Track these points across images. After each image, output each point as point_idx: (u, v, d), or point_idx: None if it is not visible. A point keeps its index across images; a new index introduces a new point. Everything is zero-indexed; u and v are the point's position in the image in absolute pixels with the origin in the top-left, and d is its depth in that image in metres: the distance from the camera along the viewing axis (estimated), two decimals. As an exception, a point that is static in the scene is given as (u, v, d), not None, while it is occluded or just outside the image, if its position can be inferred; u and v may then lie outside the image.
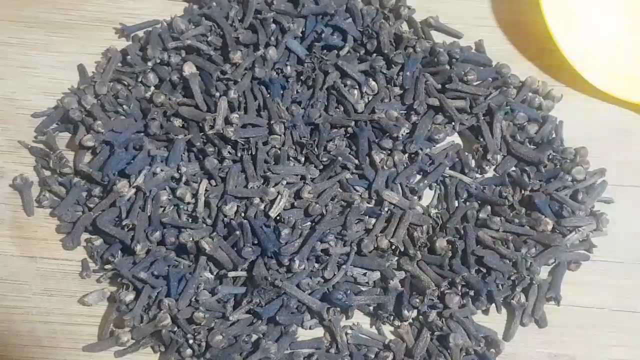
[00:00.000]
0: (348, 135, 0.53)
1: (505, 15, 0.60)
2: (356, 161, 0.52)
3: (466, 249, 0.48)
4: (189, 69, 0.53)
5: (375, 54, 0.56)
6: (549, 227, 0.49)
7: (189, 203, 0.50)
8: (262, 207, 0.49)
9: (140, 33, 0.58)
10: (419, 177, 0.53)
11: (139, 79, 0.55)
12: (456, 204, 0.51)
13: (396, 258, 0.49)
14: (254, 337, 0.47)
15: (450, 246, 0.49)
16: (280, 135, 0.52)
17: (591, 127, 0.55)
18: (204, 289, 0.47)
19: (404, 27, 0.59)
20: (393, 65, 0.55)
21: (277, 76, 0.54)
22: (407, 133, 0.53)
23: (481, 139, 0.53)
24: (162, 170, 0.50)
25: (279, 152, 0.51)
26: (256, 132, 0.52)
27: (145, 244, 0.48)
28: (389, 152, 0.52)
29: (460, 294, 0.48)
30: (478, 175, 0.53)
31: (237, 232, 0.48)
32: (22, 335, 0.48)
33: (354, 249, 0.49)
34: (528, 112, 0.54)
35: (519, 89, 0.55)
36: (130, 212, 0.49)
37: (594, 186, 0.52)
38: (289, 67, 0.54)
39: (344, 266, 0.48)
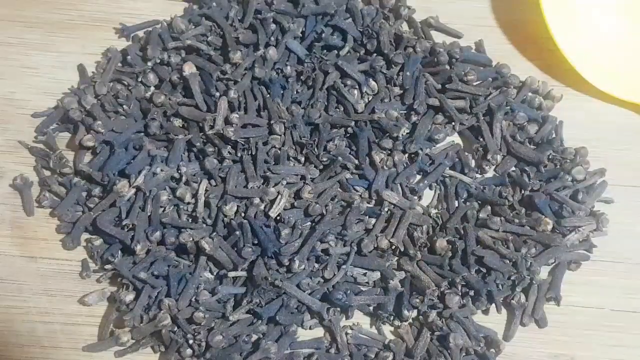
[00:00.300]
0: (348, 135, 0.53)
1: (505, 15, 0.60)
2: (356, 161, 0.52)
3: (466, 249, 0.48)
4: (189, 69, 0.53)
5: (375, 54, 0.56)
6: (549, 227, 0.49)
7: (189, 203, 0.50)
8: (262, 207, 0.49)
9: (140, 33, 0.58)
10: (419, 177, 0.53)
11: (139, 79, 0.55)
12: (456, 204, 0.51)
13: (396, 258, 0.49)
14: (254, 337, 0.47)
15: (450, 246, 0.49)
16: (280, 135, 0.52)
17: (591, 127, 0.55)
18: (204, 289, 0.47)
19: (404, 27, 0.59)
20: (393, 65, 0.55)
21: (277, 76, 0.54)
22: (407, 133, 0.53)
23: (481, 139, 0.53)
24: (162, 170, 0.50)
25: (279, 152, 0.51)
26: (256, 132, 0.52)
27: (145, 244, 0.48)
28: (389, 152, 0.52)
29: (460, 294, 0.48)
30: (478, 175, 0.53)
31: (237, 232, 0.48)
32: (22, 335, 0.48)
33: (354, 249, 0.49)
34: (528, 112, 0.54)
35: (519, 89, 0.55)
36: (130, 212, 0.49)
37: (594, 186, 0.52)
38: (289, 67, 0.54)
39: (344, 266, 0.48)
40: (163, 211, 0.50)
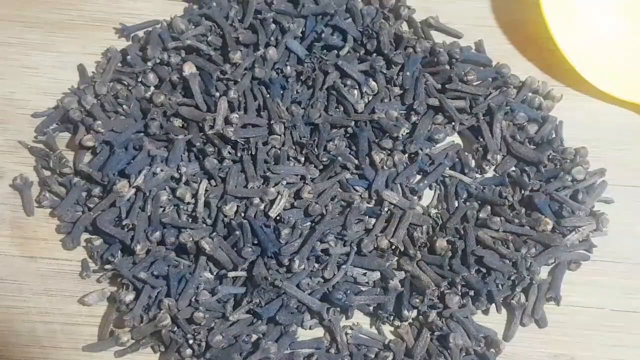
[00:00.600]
0: (348, 135, 0.53)
1: (505, 15, 0.60)
2: (356, 161, 0.52)
3: (466, 249, 0.48)
4: (189, 69, 0.53)
5: (375, 54, 0.56)
6: (549, 227, 0.49)
7: (189, 203, 0.50)
8: (262, 207, 0.49)
9: (140, 33, 0.58)
10: (419, 177, 0.53)
11: (139, 79, 0.55)
12: (456, 204, 0.51)
13: (396, 258, 0.49)
14: (254, 337, 0.47)
15: (450, 246, 0.49)
16: (280, 135, 0.52)
17: (591, 127, 0.55)
18: (204, 289, 0.47)
19: (404, 27, 0.59)
20: (393, 65, 0.55)
21: (277, 76, 0.54)
22: (407, 133, 0.53)
23: (481, 139, 0.53)
24: (162, 170, 0.50)
25: (279, 152, 0.51)
26: (256, 132, 0.52)
27: (145, 244, 0.48)
28: (389, 152, 0.52)
29: (460, 294, 0.48)
30: (478, 175, 0.53)
31: (237, 232, 0.48)
32: (22, 335, 0.48)
33: (354, 249, 0.48)
34: (528, 112, 0.54)
35: (519, 89, 0.55)
36: (130, 212, 0.49)
37: (594, 186, 0.52)
38: (289, 67, 0.54)
39: (344, 266, 0.48)
40: (163, 211, 0.50)
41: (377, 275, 0.49)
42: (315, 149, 0.51)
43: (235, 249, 0.48)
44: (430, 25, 0.59)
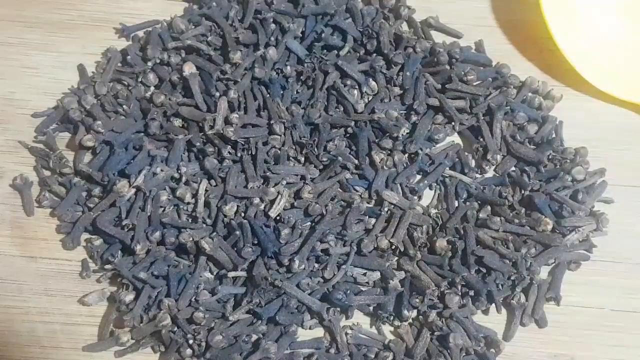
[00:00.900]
0: (348, 135, 0.53)
1: (505, 15, 0.60)
2: (356, 161, 0.52)
3: (466, 249, 0.48)
4: (189, 69, 0.53)
5: (375, 54, 0.56)
6: (549, 227, 0.49)
7: (189, 203, 0.50)
8: (262, 207, 0.49)
9: (140, 33, 0.58)
10: (419, 177, 0.53)
11: (139, 79, 0.55)
12: (456, 204, 0.51)
13: (396, 258, 0.49)
14: (254, 337, 0.47)
15: (450, 246, 0.49)
16: (280, 135, 0.52)
17: (591, 127, 0.55)
18: (204, 289, 0.47)
19: (404, 27, 0.59)
20: (393, 65, 0.55)
21: (277, 76, 0.54)
22: (407, 133, 0.53)
23: (481, 139, 0.53)
24: (162, 170, 0.50)
25: (279, 152, 0.51)
26: (256, 132, 0.52)
27: (145, 244, 0.48)
28: (389, 152, 0.52)
29: (460, 294, 0.48)
30: (478, 175, 0.53)
31: (237, 232, 0.48)
32: (22, 335, 0.48)
33: (354, 249, 0.48)
34: (528, 112, 0.54)
35: (519, 89, 0.55)
36: (130, 212, 0.49)
37: (594, 186, 0.52)
38: (289, 67, 0.54)
39: (344, 266, 0.48)
40: (163, 211, 0.50)
41: (377, 275, 0.49)
42: (315, 149, 0.51)
43: (235, 249, 0.48)
44: (430, 25, 0.59)
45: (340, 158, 0.51)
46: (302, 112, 0.53)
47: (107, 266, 0.49)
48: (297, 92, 0.54)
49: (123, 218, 0.49)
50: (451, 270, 0.48)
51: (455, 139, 0.55)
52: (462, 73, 0.54)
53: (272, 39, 0.56)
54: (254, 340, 0.46)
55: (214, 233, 0.48)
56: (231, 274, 0.48)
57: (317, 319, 0.48)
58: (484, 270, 0.48)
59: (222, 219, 0.49)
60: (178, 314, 0.46)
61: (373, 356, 0.47)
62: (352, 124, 0.52)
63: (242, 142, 0.51)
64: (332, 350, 0.47)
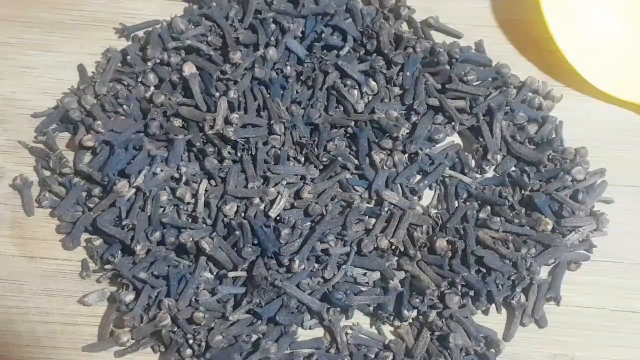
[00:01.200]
0: (348, 135, 0.53)
1: (505, 15, 0.60)
2: (356, 161, 0.52)
3: (466, 249, 0.48)
4: (189, 69, 0.53)
5: (375, 54, 0.56)
6: (549, 227, 0.49)
7: (189, 203, 0.50)
8: (262, 207, 0.49)
9: (140, 33, 0.58)
10: (419, 177, 0.53)
11: (139, 79, 0.55)
12: (456, 204, 0.51)
13: (396, 258, 0.49)
14: (254, 337, 0.47)
15: (450, 246, 0.49)
16: (280, 135, 0.52)
17: (591, 127, 0.55)
18: (204, 289, 0.47)
19: (404, 27, 0.59)
20: (393, 65, 0.55)
21: (277, 76, 0.54)
22: (407, 133, 0.53)
23: (481, 139, 0.53)
24: (162, 170, 0.50)
25: (279, 152, 0.51)
26: (256, 132, 0.52)
27: (145, 244, 0.48)
28: (389, 152, 0.52)
29: (460, 294, 0.48)
30: (478, 175, 0.53)
31: (237, 232, 0.48)
32: (22, 335, 0.48)
33: (354, 249, 0.48)
34: (528, 112, 0.54)
35: (519, 89, 0.55)
36: (130, 212, 0.49)
37: (594, 186, 0.52)
38: (289, 67, 0.54)
39: (344, 266, 0.48)
40: (163, 211, 0.50)
41: (377, 275, 0.49)
42: (315, 149, 0.51)
43: (235, 249, 0.48)
44: (430, 25, 0.59)
45: (340, 158, 0.51)
46: (302, 112, 0.53)
47: (107, 266, 0.49)
48: (297, 92, 0.54)
49: (123, 218, 0.49)
50: (451, 270, 0.48)
51: (455, 139, 0.55)
52: (462, 73, 0.54)
53: (272, 39, 0.56)
54: (254, 340, 0.46)
55: (214, 233, 0.48)
56: (231, 274, 0.48)
57: (317, 319, 0.48)
58: (484, 270, 0.48)
59: (222, 219, 0.49)
60: (178, 314, 0.46)
61: (373, 356, 0.47)
62: (352, 124, 0.52)
63: (242, 142, 0.51)
64: (332, 350, 0.47)
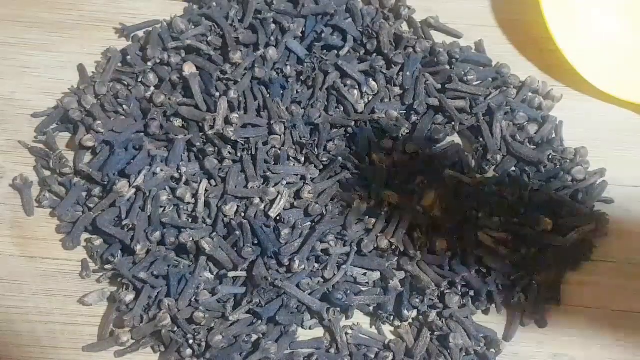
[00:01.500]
0: (348, 135, 0.53)
1: (505, 15, 0.60)
2: (356, 161, 0.52)
3: (466, 249, 0.48)
4: (189, 69, 0.53)
5: (375, 54, 0.56)
6: (549, 227, 0.49)
7: (189, 203, 0.50)
8: (262, 207, 0.49)
9: (140, 33, 0.58)
10: (419, 177, 0.52)
11: (139, 79, 0.54)
12: (456, 204, 0.51)
13: (396, 258, 0.49)
14: (254, 337, 0.47)
15: (450, 246, 0.49)
16: (280, 135, 0.52)
17: (591, 127, 0.55)
18: (204, 289, 0.47)
19: (404, 27, 0.59)
20: (393, 65, 0.55)
21: (277, 76, 0.54)
22: (407, 133, 0.53)
23: (481, 139, 0.53)
24: (162, 170, 0.50)
25: (279, 152, 0.51)
26: (256, 132, 0.52)
27: (145, 244, 0.48)
28: (389, 152, 0.52)
29: (460, 294, 0.48)
30: (478, 175, 0.53)
31: (237, 232, 0.48)
32: (22, 335, 0.48)
33: (354, 249, 0.48)
34: (528, 112, 0.54)
35: (519, 89, 0.55)
36: (130, 212, 0.49)
37: (594, 186, 0.52)
38: (289, 67, 0.54)
39: (344, 266, 0.48)
40: (163, 211, 0.50)
41: (377, 275, 0.49)
42: (315, 149, 0.51)
43: (235, 249, 0.48)
44: (430, 25, 0.59)
45: (340, 158, 0.51)
46: (302, 112, 0.53)
47: (107, 266, 0.49)
48: (297, 92, 0.54)
49: (123, 218, 0.49)
50: (451, 270, 0.48)
51: (455, 139, 0.55)
52: (462, 73, 0.54)
53: (272, 39, 0.56)
54: (254, 340, 0.46)
55: (214, 233, 0.48)
56: (231, 274, 0.48)
57: (317, 319, 0.48)
58: (484, 270, 0.48)
59: (222, 219, 0.49)
60: (178, 314, 0.46)
61: (373, 356, 0.47)
62: (352, 124, 0.52)
63: (242, 142, 0.51)
64: (332, 350, 0.47)
